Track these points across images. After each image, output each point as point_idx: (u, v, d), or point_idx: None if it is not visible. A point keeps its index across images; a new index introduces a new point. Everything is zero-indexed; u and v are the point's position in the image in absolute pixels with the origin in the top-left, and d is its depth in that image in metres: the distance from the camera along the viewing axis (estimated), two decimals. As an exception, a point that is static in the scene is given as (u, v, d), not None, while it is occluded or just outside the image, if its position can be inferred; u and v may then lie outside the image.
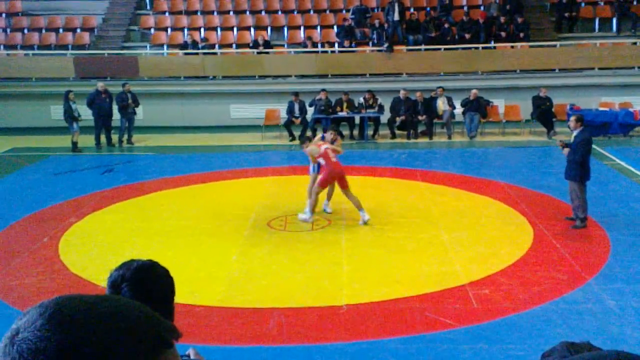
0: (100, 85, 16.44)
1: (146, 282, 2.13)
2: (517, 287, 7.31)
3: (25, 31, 21.07)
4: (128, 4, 22.00)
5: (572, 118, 9.41)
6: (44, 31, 21.05)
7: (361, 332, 6.37)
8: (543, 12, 20.91)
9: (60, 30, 21.12)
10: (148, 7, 22.11)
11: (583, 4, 20.71)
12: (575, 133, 9.26)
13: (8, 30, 21.10)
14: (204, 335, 6.36)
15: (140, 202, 11.31)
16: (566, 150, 9.22)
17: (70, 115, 15.56)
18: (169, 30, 21.04)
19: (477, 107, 16.85)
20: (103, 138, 16.40)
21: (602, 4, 20.75)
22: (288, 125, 17.20)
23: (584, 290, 7.17)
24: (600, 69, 18.65)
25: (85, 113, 16.02)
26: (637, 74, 18.55)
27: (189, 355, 2.22)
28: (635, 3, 20.34)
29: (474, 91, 16.96)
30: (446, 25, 19.74)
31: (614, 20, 20.17)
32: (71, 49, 20.33)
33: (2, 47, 20.56)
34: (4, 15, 21.47)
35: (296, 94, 17.39)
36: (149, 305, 2.05)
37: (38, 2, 22.00)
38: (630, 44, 19.00)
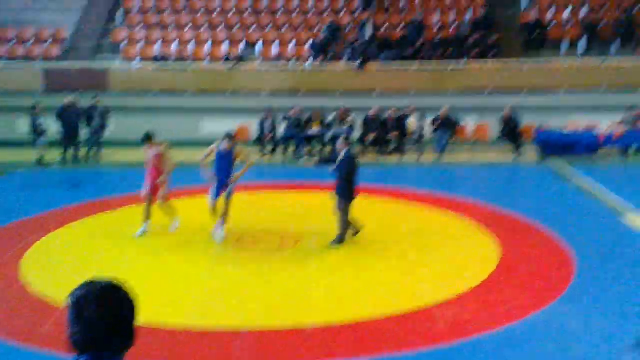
0: (69, 99, 16.23)
1: (109, 302, 2.10)
2: (483, 308, 7.34)
3: (-7, 43, 20.79)
4: (100, 16, 21.84)
5: (341, 138, 10.07)
6: (12, 43, 20.75)
7: (329, 353, 6.32)
8: (512, 31, 21.24)
9: (30, 43, 20.85)
10: (120, 20, 21.95)
11: (551, 24, 21.10)
12: (343, 152, 9.71)
13: (-25, 41, 20.79)
14: (170, 357, 6.25)
15: (106, 218, 11.15)
16: (333, 166, 9.74)
17: (37, 130, 15.32)
18: (141, 43, 20.90)
19: (447, 125, 17.01)
20: (70, 153, 16.16)
21: (570, 25, 21.16)
22: (259, 141, 17.15)
23: (547, 312, 7.21)
24: (567, 89, 18.98)
25: (53, 127, 15.79)
26: (603, 95, 18.90)
27: None
28: (601, 25, 20.78)
29: (444, 109, 17.13)
30: (418, 43, 19.94)
31: (582, 42, 20.57)
32: (40, 61, 20.07)
33: (-31, 58, 20.24)
34: (-29, 26, 21.16)
35: (268, 109, 17.38)
36: (112, 325, 2.03)
37: (9, 13, 21.70)
38: (596, 65, 19.37)
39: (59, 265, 8.80)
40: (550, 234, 10.01)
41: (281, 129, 17.25)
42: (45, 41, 20.88)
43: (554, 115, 18.32)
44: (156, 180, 10.00)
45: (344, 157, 9.66)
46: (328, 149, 17.29)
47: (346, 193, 9.55)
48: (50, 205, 11.81)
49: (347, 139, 10.16)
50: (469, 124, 18.19)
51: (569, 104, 18.78)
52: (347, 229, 9.62)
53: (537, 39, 20.63)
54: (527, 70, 19.18)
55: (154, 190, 10.02)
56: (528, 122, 17.48)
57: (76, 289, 2.13)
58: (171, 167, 10.20)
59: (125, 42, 20.92)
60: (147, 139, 10.18)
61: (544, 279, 8.20)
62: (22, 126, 17.30)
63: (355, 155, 10.19)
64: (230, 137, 9.97)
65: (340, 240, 9.59)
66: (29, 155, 15.85)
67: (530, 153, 16.97)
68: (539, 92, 18.97)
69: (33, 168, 15.33)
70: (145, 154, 10.20)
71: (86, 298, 2.08)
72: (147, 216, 10.02)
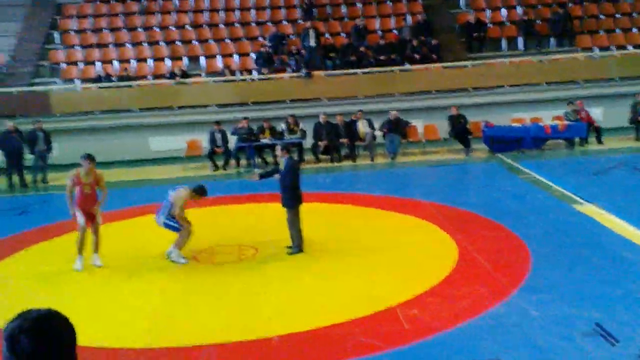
0: (9, 124, 15.77)
1: (46, 332, 1.99)
2: (445, 305, 7.38)
3: None
4: (36, 39, 21.30)
5: (278, 147, 10.10)
6: (-53, 69, 20.08)
7: (294, 363, 6.25)
8: (453, 33, 21.64)
9: (-35, 68, 20.21)
10: (57, 41, 21.45)
11: (490, 25, 21.58)
12: (283, 160, 9.65)
13: None
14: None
15: (56, 243, 10.81)
16: (277, 176, 9.61)
17: (-22, 157, 14.84)
18: (81, 64, 20.47)
19: (397, 128, 17.18)
20: (15, 179, 15.68)
21: (508, 24, 21.68)
22: (211, 155, 16.98)
23: (508, 303, 7.30)
24: (509, 86, 19.43)
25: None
26: (545, 90, 19.43)
27: None
28: (538, 22, 21.37)
29: (393, 112, 17.30)
30: (362, 49, 20.11)
31: (520, 39, 21.10)
32: (-23, 87, 19.46)
33: None
34: None
35: (217, 122, 17.23)
36: (49, 357, 1.92)
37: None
38: (536, 61, 19.89)
39: (7, 292, 8.47)
40: (504, 228, 10.17)
41: (232, 142, 17.11)
42: (-19, 66, 20.26)
43: (498, 112, 18.72)
44: (94, 206, 9.34)
45: (285, 166, 9.55)
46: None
47: (294, 202, 9.47)
48: (-2, 234, 11.40)
49: (285, 147, 9.99)
50: (418, 125, 18.40)
51: (512, 100, 19.23)
52: (301, 236, 9.56)
53: (477, 39, 21.08)
54: (469, 70, 19.56)
55: (91, 217, 9.34)
56: (475, 120, 17.80)
57: (10, 321, 2.02)
58: (105, 191, 9.52)
59: (64, 63, 20.45)
60: (91, 159, 9.30)
61: (502, 271, 8.32)
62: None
63: (296, 162, 10.13)
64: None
65: (299, 249, 9.53)
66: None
67: (480, 150, 17.27)
68: (483, 90, 19.35)
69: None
70: (84, 177, 9.23)
71: (20, 329, 1.97)
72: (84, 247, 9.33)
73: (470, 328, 6.75)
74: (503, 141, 16.94)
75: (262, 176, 9.99)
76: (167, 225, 9.43)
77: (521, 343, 6.31)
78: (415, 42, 20.20)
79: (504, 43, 21.27)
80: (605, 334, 6.29)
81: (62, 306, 2.14)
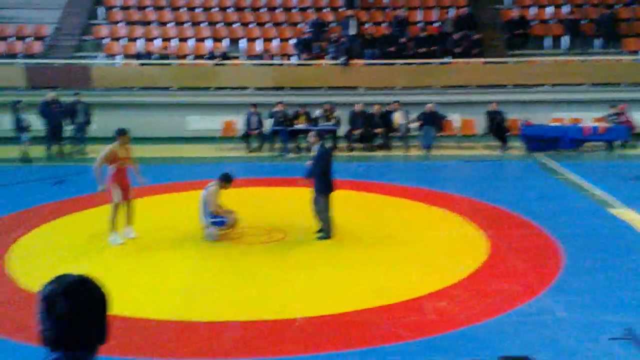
0: (50, 95, 16.05)
1: (80, 296, 2.05)
2: (472, 299, 7.34)
3: (-26, 39, 20.49)
4: (81, 13, 21.60)
5: (311, 133, 10.14)
6: (-6, 39, 20.50)
7: (316, 345, 6.29)
8: (495, 29, 21.33)
9: (11, 39, 20.59)
10: (101, 17, 21.73)
11: (534, 22, 21.22)
12: (315, 148, 9.76)
13: (-44, 38, 20.50)
14: (158, 349, 6.18)
15: (91, 214, 11.01)
16: (308, 162, 9.76)
17: (20, 126, 15.13)
18: (124, 40, 20.71)
19: (433, 120, 17.05)
20: (54, 149, 15.99)
21: (552, 22, 21.30)
22: (245, 137, 17.09)
23: (537, 302, 7.23)
24: (551, 85, 19.12)
25: (36, 123, 15.61)
26: (587, 91, 19.06)
27: None
28: (584, 22, 20.94)
29: (429, 105, 17.17)
30: (402, 40, 19.96)
31: (564, 38, 20.71)
32: (22, 58, 19.83)
33: (-52, 54, 19.93)
34: (-49, 22, 20.86)
35: (254, 105, 17.31)
36: (83, 321, 1.97)
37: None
38: (580, 61, 19.52)
39: (44, 260, 8.67)
40: (537, 227, 10.05)
41: (267, 125, 17.18)
42: (27, 38, 20.62)
43: (538, 111, 18.44)
44: (128, 181, 9.48)
45: (318, 153, 9.64)
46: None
47: (324, 188, 9.52)
48: (35, 202, 11.65)
49: (318, 134, 10.06)
50: (455, 119, 18.23)
51: (553, 99, 18.92)
52: (330, 223, 9.58)
53: (520, 36, 20.75)
54: (511, 66, 19.27)
55: (126, 192, 9.47)
56: (513, 117, 17.57)
57: (46, 284, 2.08)
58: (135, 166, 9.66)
59: (107, 38, 20.72)
60: (127, 134, 9.50)
61: (532, 270, 8.23)
62: (5, 122, 17.09)
63: (328, 149, 10.15)
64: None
65: (328, 235, 9.55)
66: (13, 151, 15.65)
67: (517, 148, 17.05)
68: (523, 88, 19.08)
69: (17, 164, 15.12)
70: (120, 152, 9.38)
71: (56, 292, 2.04)
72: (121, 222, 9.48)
73: (496, 324, 6.70)
74: (540, 140, 16.70)
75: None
76: (214, 224, 9.55)
77: (548, 342, 6.25)
78: (456, 36, 19.97)
79: (547, 41, 20.89)
80: (636, 340, 6.19)
81: (94, 275, 2.19)
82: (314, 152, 9.80)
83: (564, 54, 20.35)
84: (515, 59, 19.56)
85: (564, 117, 18.23)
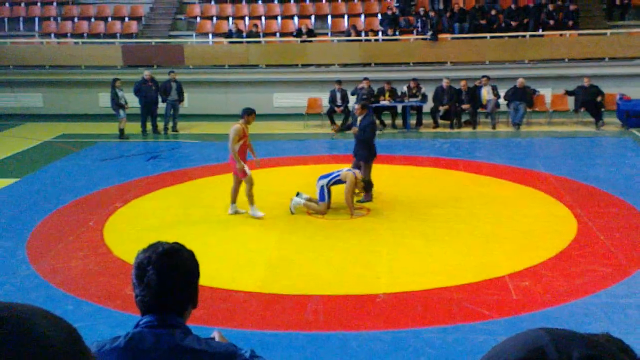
0: (146, 73, 16.71)
1: (171, 265, 2.14)
2: (559, 280, 7.19)
3: (75, 20, 21.55)
4: (175, -7, 22.26)
5: (357, 106, 10.71)
6: (93, 20, 21.50)
7: (398, 321, 6.37)
8: (593, -1, 20.34)
9: (109, 19, 21.54)
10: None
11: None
12: (360, 118, 10.29)
13: (59, 19, 21.63)
14: (243, 321, 6.44)
15: (183, 188, 11.50)
16: (354, 129, 10.33)
17: (117, 103, 15.87)
18: (215, 19, 21.23)
19: (523, 96, 16.54)
20: (149, 125, 16.69)
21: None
22: (330, 113, 17.20)
23: (628, 283, 7.00)
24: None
25: (132, 100, 16.33)
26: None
27: (213, 338, 2.26)
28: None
29: (520, 80, 16.65)
30: (493, 13, 19.40)
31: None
32: (119, 37, 20.74)
33: (52, 35, 21.09)
34: (55, 4, 22.01)
35: (339, 82, 17.37)
36: (173, 287, 2.11)
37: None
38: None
39: (139, 231, 9.15)
40: (631, 206, 9.65)
41: (352, 102, 17.19)
42: (124, 18, 21.51)
43: (637, 85, 17.51)
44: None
45: (366, 122, 10.18)
46: (399, 121, 17.19)
47: (368, 155, 10.17)
48: (131, 176, 12.27)
49: (364, 105, 10.53)
50: (547, 94, 17.60)
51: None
52: (371, 188, 9.95)
53: (619, 7, 19.68)
54: (608, 38, 18.36)
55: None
56: (609, 92, 16.78)
57: (140, 252, 2.19)
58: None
59: (200, 17, 21.29)
60: (254, 112, 9.92)
61: (623, 251, 7.94)
62: (104, 100, 18.01)
63: (374, 120, 10.83)
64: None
65: (369, 198, 10.12)
66: (111, 128, 16.48)
67: (612, 124, 16.32)
68: (621, 60, 18.14)
69: (115, 140, 15.93)
70: (245, 130, 9.77)
71: (149, 260, 2.13)
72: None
73: (584, 305, 6.56)
74: (638, 115, 15.89)
75: (340, 130, 11.19)
76: (321, 193, 9.77)
77: (637, 325, 6.06)
78: (551, 7, 19.19)
79: (649, 11, 19.74)
80: None
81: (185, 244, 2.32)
82: (358, 122, 10.28)
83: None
84: (613, 30, 18.60)
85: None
